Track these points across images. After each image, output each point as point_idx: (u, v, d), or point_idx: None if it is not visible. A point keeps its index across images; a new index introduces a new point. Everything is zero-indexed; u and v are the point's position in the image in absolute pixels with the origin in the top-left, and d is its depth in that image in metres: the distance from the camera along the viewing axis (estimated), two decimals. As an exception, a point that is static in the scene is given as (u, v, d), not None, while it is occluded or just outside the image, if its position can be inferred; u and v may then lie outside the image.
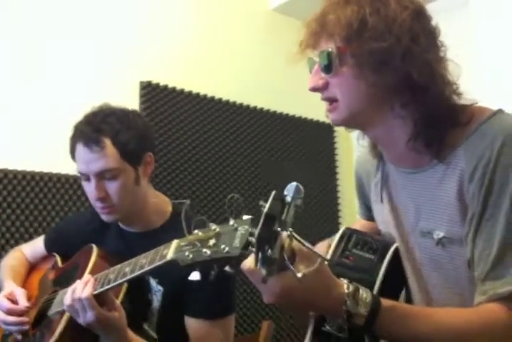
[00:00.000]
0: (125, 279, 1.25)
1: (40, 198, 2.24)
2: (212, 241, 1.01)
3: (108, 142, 1.45)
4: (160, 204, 1.61)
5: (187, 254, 1.04)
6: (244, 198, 2.81)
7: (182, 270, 1.06)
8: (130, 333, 1.36)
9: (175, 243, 1.11)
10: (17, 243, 2.13)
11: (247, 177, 2.88)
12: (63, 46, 2.42)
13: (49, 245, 1.74)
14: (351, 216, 3.22)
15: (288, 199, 0.80)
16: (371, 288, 1.03)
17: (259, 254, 0.77)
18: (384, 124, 1.06)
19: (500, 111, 1.03)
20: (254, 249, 0.78)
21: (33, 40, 2.34)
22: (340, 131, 3.27)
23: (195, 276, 1.04)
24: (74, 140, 1.50)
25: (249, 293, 2.72)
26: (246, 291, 2.71)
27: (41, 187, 2.25)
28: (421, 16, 1.02)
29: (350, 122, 1.09)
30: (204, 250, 1.01)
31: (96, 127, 1.46)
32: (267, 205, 0.78)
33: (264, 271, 0.78)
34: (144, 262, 1.20)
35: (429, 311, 0.99)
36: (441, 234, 1.04)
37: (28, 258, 1.77)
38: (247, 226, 0.95)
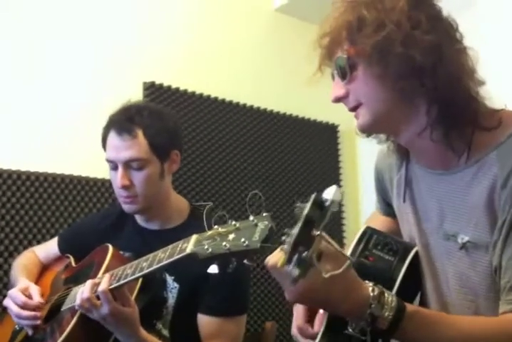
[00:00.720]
0: (142, 273, 1.26)
1: (44, 199, 2.23)
2: (231, 236, 1.03)
3: (139, 133, 1.50)
4: (179, 204, 1.63)
5: (206, 247, 1.05)
6: (245, 197, 2.80)
7: (199, 267, 1.07)
8: (142, 330, 1.37)
9: (194, 237, 1.13)
10: (21, 244, 2.13)
11: (250, 177, 2.88)
12: (64, 46, 2.41)
13: (63, 246, 1.75)
14: (354, 217, 3.22)
15: (327, 203, 0.79)
16: (389, 290, 1.01)
17: (296, 255, 0.76)
18: (407, 122, 1.04)
19: None
20: (286, 248, 0.77)
21: (33, 41, 2.33)
22: (344, 132, 3.26)
23: (213, 269, 1.06)
24: (107, 129, 1.55)
25: (252, 293, 2.72)
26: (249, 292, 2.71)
27: (39, 187, 2.23)
28: (422, 3, 1.01)
29: (376, 126, 1.07)
30: (223, 243, 1.03)
31: (130, 118, 1.52)
32: (307, 208, 0.77)
33: (295, 272, 0.77)
34: (162, 256, 1.22)
35: (453, 318, 0.98)
36: (466, 238, 1.03)
37: (41, 259, 1.79)
38: (266, 222, 0.97)
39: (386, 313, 0.88)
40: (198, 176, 2.68)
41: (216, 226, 1.08)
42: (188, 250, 1.11)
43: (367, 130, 1.09)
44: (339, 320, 0.96)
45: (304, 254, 0.76)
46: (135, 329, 1.35)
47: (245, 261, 0.99)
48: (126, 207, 1.56)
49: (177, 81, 2.68)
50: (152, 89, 2.60)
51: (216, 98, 2.81)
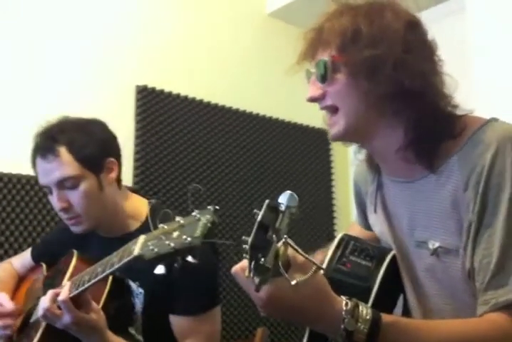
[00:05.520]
0: (97, 278, 1.25)
1: (35, 202, 2.23)
2: (176, 233, 1.02)
3: (63, 151, 1.44)
4: (136, 207, 1.58)
5: (151, 247, 1.05)
6: (236, 203, 2.80)
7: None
8: (111, 335, 1.35)
9: (141, 238, 1.12)
10: (11, 247, 2.13)
11: (242, 182, 2.87)
12: (57, 50, 2.41)
13: (36, 256, 1.74)
14: (346, 224, 3.21)
15: (282, 207, 0.79)
16: (367, 295, 1.03)
17: (252, 263, 0.76)
18: (377, 134, 1.06)
19: (492, 119, 1.03)
20: (247, 257, 0.77)
21: (31, 43, 2.34)
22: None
23: (159, 269, 1.05)
24: (33, 154, 1.49)
25: (243, 299, 2.71)
26: (241, 298, 2.70)
27: (39, 191, 2.23)
28: (415, 28, 1.04)
29: (348, 135, 1.08)
30: (167, 242, 1.02)
31: (50, 136, 1.46)
32: (260, 213, 0.78)
33: (257, 280, 0.76)
34: (114, 260, 1.21)
35: (430, 323, 0.97)
36: (436, 244, 1.03)
37: (18, 270, 1.76)
38: (208, 216, 0.97)
39: (362, 327, 0.86)
40: (189, 180, 2.67)
41: (161, 225, 1.07)
42: (135, 252, 1.11)
43: (339, 140, 1.11)
44: (320, 334, 0.94)
45: (262, 260, 0.75)
46: (102, 335, 1.32)
47: (189, 258, 0.98)
48: (73, 229, 1.50)
49: (170, 85, 2.68)
50: (144, 93, 2.60)
51: (208, 103, 2.81)
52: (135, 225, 1.55)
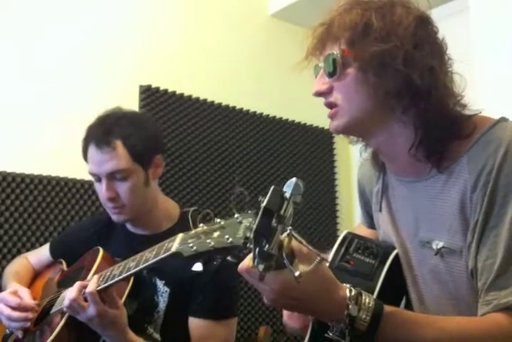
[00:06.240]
0: (130, 272, 1.26)
1: (47, 202, 2.26)
2: (216, 233, 1.03)
3: (118, 144, 1.49)
4: (169, 208, 1.63)
5: (191, 245, 1.06)
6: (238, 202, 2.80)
7: (188, 270, 1.08)
8: (130, 333, 1.37)
9: (180, 236, 1.14)
10: (24, 246, 2.16)
11: (246, 182, 2.88)
12: (60, 49, 2.42)
13: (55, 252, 1.76)
14: (349, 223, 3.21)
15: (287, 195, 0.79)
16: (370, 293, 1.01)
17: (256, 249, 0.76)
18: (385, 130, 1.05)
19: (502, 119, 1.02)
20: (251, 246, 0.77)
21: (32, 43, 2.35)
22: (339, 137, 3.26)
23: (197, 266, 1.06)
24: (86, 142, 1.53)
25: (246, 298, 2.72)
26: (243, 297, 2.71)
27: (41, 190, 2.25)
28: (426, 24, 1.03)
29: (351, 129, 1.07)
30: (208, 241, 1.03)
31: (108, 129, 1.50)
32: (265, 200, 0.78)
33: (261, 267, 0.77)
34: (149, 256, 1.23)
35: (432, 318, 0.97)
36: (441, 244, 1.03)
37: (33, 265, 1.78)
38: (251, 219, 0.97)
39: (364, 315, 0.87)
40: (193, 180, 2.68)
41: (201, 225, 1.08)
42: (173, 249, 1.12)
43: (341, 133, 1.10)
44: (323, 324, 0.95)
45: (266, 247, 0.75)
46: (122, 331, 1.35)
47: (228, 257, 0.99)
48: (115, 217, 1.55)
49: (174, 85, 2.68)
50: (148, 93, 2.61)
51: (212, 102, 2.82)
52: (166, 225, 1.58)
